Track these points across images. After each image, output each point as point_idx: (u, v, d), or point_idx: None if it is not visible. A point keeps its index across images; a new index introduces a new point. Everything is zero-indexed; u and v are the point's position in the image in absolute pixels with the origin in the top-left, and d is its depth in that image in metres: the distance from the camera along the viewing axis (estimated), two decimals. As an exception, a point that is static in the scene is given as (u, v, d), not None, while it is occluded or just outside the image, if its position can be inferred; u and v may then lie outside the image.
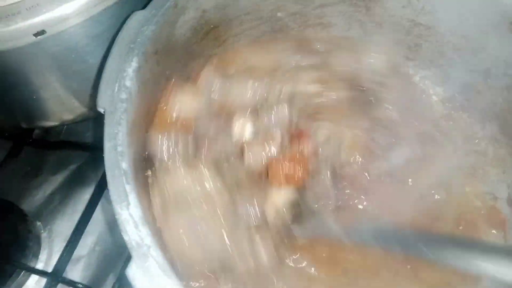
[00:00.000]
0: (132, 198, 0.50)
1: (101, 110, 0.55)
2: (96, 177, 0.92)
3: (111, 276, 0.84)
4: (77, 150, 0.96)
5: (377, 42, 0.88)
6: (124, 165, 0.52)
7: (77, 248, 0.85)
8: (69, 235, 0.85)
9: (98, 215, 0.90)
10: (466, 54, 0.81)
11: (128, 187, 0.51)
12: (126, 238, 0.48)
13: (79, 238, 0.85)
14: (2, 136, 0.97)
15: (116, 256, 0.87)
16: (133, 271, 0.46)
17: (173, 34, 0.68)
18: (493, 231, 0.78)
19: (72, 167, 0.97)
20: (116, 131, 0.54)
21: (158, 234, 0.50)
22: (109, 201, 0.89)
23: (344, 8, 0.83)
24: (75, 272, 0.85)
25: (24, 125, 0.92)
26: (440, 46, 0.83)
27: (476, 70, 0.81)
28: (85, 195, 0.92)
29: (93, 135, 0.98)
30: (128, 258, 0.77)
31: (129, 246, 0.48)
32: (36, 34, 0.69)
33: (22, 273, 0.83)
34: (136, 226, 0.49)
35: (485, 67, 0.79)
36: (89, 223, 0.88)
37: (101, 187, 0.90)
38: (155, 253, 0.47)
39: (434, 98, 0.90)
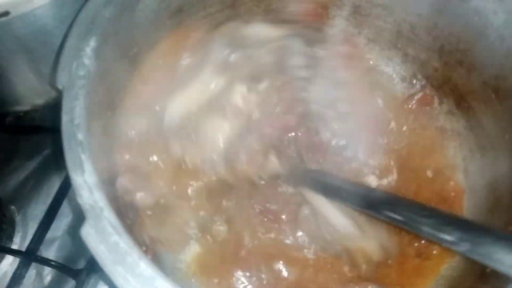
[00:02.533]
0: (87, 166, 0.53)
1: (60, 87, 0.58)
2: (69, 161, 0.94)
3: (85, 254, 0.86)
4: (51, 134, 0.97)
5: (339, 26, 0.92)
6: (80, 136, 0.55)
7: (52, 230, 0.87)
8: (42, 217, 0.87)
9: (72, 198, 0.91)
10: (422, 33, 0.84)
11: (83, 156, 0.54)
12: (80, 201, 0.51)
13: (52, 219, 0.87)
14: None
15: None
16: (86, 231, 0.49)
17: (134, 17, 0.71)
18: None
19: (46, 152, 0.99)
20: (73, 105, 0.57)
21: (112, 200, 0.53)
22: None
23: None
24: (50, 252, 0.87)
25: (-5, 111, 0.94)
26: (398, 25, 0.87)
27: (431, 48, 0.84)
28: (59, 179, 0.93)
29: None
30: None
31: (83, 208, 0.51)
32: (0, 15, 0.70)
33: (-4, 255, 0.86)
34: (91, 191, 0.51)
35: (439, 44, 0.83)
36: (63, 206, 0.90)
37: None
38: (108, 214, 0.50)
39: (395, 77, 0.93)
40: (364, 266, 0.72)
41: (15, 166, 0.97)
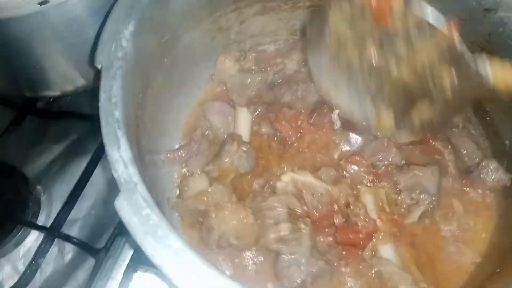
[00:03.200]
0: (123, 142, 0.56)
1: (98, 66, 0.61)
2: (94, 147, 0.97)
3: (104, 236, 0.89)
4: (78, 120, 1.01)
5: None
6: (117, 113, 0.58)
7: (74, 211, 0.91)
8: (66, 198, 0.91)
9: (94, 182, 0.95)
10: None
11: (119, 133, 0.56)
12: (115, 175, 0.53)
13: (76, 200, 0.90)
14: (6, 104, 1.03)
15: (110, 219, 0.91)
16: (120, 203, 0.51)
17: (169, 5, 0.73)
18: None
19: (73, 137, 1.02)
20: (111, 84, 0.60)
21: (143, 174, 0.55)
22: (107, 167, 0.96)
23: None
24: (72, 232, 0.90)
25: (27, 94, 0.98)
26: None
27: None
28: (83, 163, 0.96)
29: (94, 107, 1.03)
30: (120, 222, 0.84)
31: (118, 182, 0.53)
32: (40, 3, 0.74)
33: (21, 231, 0.89)
34: (126, 166, 0.54)
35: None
36: (86, 189, 0.93)
37: (98, 155, 0.95)
38: (141, 189, 0.53)
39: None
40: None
41: (43, 149, 1.01)
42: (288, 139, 0.85)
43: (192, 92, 0.91)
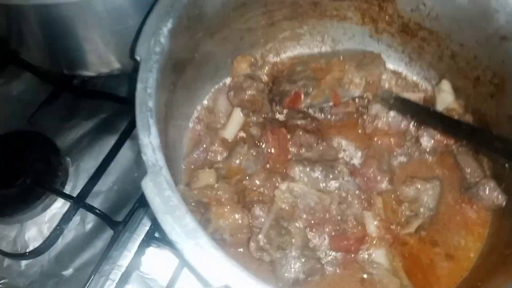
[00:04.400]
0: (153, 129, 0.62)
1: (138, 58, 0.68)
2: (121, 127, 1.04)
3: (123, 210, 0.96)
4: (109, 101, 1.08)
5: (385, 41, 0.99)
6: (151, 103, 0.64)
7: (99, 184, 0.98)
8: (92, 173, 0.98)
9: (119, 160, 1.02)
10: (461, 61, 0.90)
11: (151, 121, 0.63)
12: (144, 158, 0.60)
13: (101, 174, 0.98)
14: (45, 80, 1.11)
15: (130, 196, 0.99)
16: (146, 183, 0.58)
17: (205, 5, 0.80)
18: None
19: (103, 115, 1.09)
20: (147, 76, 0.66)
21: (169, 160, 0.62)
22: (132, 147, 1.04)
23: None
24: (94, 203, 0.97)
25: (66, 72, 1.06)
26: (441, 51, 0.93)
27: (468, 77, 0.90)
28: (111, 141, 1.03)
29: (126, 90, 1.10)
30: (139, 199, 0.91)
31: (146, 164, 0.60)
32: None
33: (49, 197, 0.97)
34: (154, 151, 0.61)
35: (475, 74, 0.89)
36: (111, 166, 1.00)
37: (126, 135, 1.02)
38: (165, 173, 0.59)
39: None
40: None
41: (75, 124, 1.08)
42: (266, 153, 0.88)
43: (214, 85, 0.98)
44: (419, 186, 0.84)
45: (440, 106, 0.91)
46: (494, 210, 0.84)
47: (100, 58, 1.00)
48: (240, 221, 0.78)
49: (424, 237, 0.83)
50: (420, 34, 0.93)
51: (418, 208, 0.83)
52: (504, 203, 0.81)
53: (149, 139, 0.61)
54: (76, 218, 0.96)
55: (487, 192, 0.82)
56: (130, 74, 1.05)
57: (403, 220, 0.83)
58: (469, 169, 0.87)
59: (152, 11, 0.72)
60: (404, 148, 0.90)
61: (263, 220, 0.78)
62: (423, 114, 0.87)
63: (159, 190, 0.58)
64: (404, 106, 0.88)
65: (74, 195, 0.96)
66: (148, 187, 0.58)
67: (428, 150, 0.88)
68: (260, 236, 0.76)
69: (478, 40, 0.85)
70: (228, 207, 0.79)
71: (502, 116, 0.84)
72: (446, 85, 0.92)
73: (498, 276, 0.69)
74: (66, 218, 0.93)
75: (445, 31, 0.89)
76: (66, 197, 0.96)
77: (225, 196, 0.79)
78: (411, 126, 0.91)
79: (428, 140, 0.88)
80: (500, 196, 0.81)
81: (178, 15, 0.73)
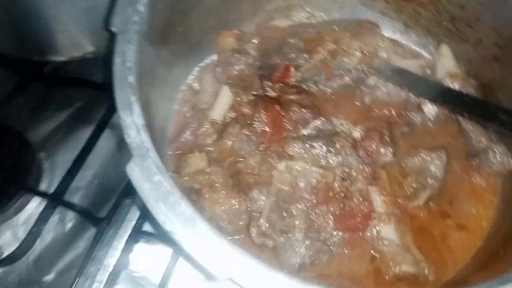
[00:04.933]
0: (136, 108, 0.55)
1: (114, 30, 0.60)
2: (98, 116, 0.96)
3: (107, 205, 0.88)
4: (84, 88, 1.00)
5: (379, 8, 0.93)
6: (131, 78, 0.57)
7: (77, 179, 0.90)
8: (69, 167, 0.90)
9: (98, 152, 0.94)
10: (461, 25, 0.85)
11: (133, 98, 0.55)
12: (128, 140, 0.53)
13: (79, 168, 0.90)
14: (12, 68, 1.01)
15: (113, 189, 0.91)
16: (132, 168, 0.51)
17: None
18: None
19: (77, 104, 1.01)
20: (126, 48, 0.58)
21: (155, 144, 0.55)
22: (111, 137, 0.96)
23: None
24: (73, 200, 0.89)
25: (34, 58, 0.97)
26: (438, 14, 0.87)
27: (469, 41, 0.85)
28: (87, 131, 0.95)
29: (102, 76, 1.01)
30: (123, 191, 0.84)
31: (130, 147, 0.52)
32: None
33: (23, 197, 0.88)
34: (138, 131, 0.53)
35: (477, 37, 0.83)
36: (89, 158, 0.92)
37: (103, 125, 0.94)
38: (153, 155, 0.52)
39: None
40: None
41: (47, 116, 1.00)
42: (260, 132, 0.80)
43: (199, 63, 0.90)
44: (424, 157, 0.79)
45: (441, 72, 0.85)
46: (503, 176, 0.80)
47: (71, 40, 0.93)
48: (237, 206, 0.72)
49: (434, 209, 0.78)
50: (416, -1, 0.87)
51: (425, 179, 0.78)
52: (516, 167, 0.77)
53: (131, 118, 0.54)
54: (54, 218, 0.88)
55: (497, 157, 0.77)
56: (106, 57, 0.98)
57: (410, 193, 0.78)
58: (474, 136, 0.82)
59: (127, -22, 0.64)
60: (405, 118, 0.84)
61: (262, 203, 0.71)
62: (423, 86, 0.82)
63: (147, 175, 0.51)
64: (403, 78, 0.83)
65: (51, 192, 0.88)
66: (135, 172, 0.51)
67: (431, 118, 0.83)
68: (261, 220, 0.69)
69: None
70: (223, 192, 0.72)
71: (507, 78, 0.80)
72: (446, 50, 0.87)
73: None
74: (43, 218, 0.85)
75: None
76: (42, 195, 0.88)
77: (219, 180, 0.73)
78: (411, 94, 0.85)
79: (431, 107, 0.82)
80: (510, 160, 0.76)
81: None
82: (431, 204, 0.77)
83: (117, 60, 0.57)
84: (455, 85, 0.81)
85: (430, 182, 0.77)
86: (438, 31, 0.89)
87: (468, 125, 0.82)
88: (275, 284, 0.46)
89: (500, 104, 0.79)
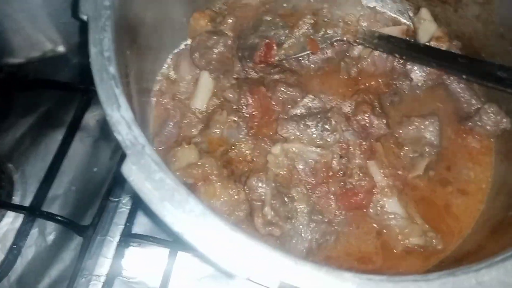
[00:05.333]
0: (122, 101, 0.49)
1: (84, 17, 0.54)
2: (67, 118, 0.89)
3: (89, 211, 0.82)
4: (48, 89, 0.92)
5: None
6: (112, 69, 0.51)
7: (53, 188, 0.83)
8: (43, 176, 0.83)
9: (71, 156, 0.87)
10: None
11: (117, 91, 0.50)
12: (119, 138, 0.47)
13: (55, 176, 0.83)
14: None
15: (93, 193, 0.85)
16: (128, 168, 0.46)
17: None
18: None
19: (43, 108, 0.93)
20: (101, 37, 0.53)
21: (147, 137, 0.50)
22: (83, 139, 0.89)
23: None
24: (53, 210, 0.82)
25: (-12, 62, 0.88)
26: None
27: (447, 1, 0.83)
28: (57, 136, 0.89)
29: (66, 75, 0.93)
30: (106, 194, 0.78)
31: (123, 145, 0.47)
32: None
33: (-5, 214, 0.81)
34: (129, 127, 0.48)
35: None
36: (64, 164, 0.85)
37: (74, 127, 0.87)
38: (150, 151, 0.47)
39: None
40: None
41: (10, 124, 0.91)
42: (249, 117, 0.77)
43: (173, 49, 0.85)
44: (418, 125, 0.77)
45: (423, 37, 0.83)
46: (496, 136, 0.79)
47: (28, 39, 0.85)
48: (236, 197, 0.68)
49: (433, 177, 0.76)
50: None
51: (422, 147, 0.76)
52: (509, 126, 0.76)
53: (119, 113, 0.49)
54: (33, 232, 0.81)
55: (491, 117, 0.76)
56: (68, 54, 0.90)
57: (408, 163, 0.76)
58: (464, 98, 0.81)
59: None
60: (393, 87, 0.82)
61: (263, 191, 0.67)
62: (413, 50, 0.79)
63: (147, 174, 0.46)
64: (391, 45, 0.80)
65: (26, 205, 0.81)
66: (133, 172, 0.45)
67: (419, 84, 0.81)
68: (266, 209, 0.66)
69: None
70: (219, 183, 0.68)
71: (492, 36, 0.78)
72: (425, 14, 0.85)
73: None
74: (22, 234, 0.78)
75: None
76: (17, 208, 0.80)
77: (213, 172, 0.68)
78: (396, 62, 0.82)
79: (419, 73, 0.80)
80: (505, 119, 0.76)
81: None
82: (431, 172, 0.76)
83: (92, 51, 0.51)
84: (442, 48, 0.79)
85: (427, 150, 0.75)
86: (415, -5, 0.87)
87: (456, 88, 0.81)
88: (304, 277, 0.43)
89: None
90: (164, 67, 0.83)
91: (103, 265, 0.79)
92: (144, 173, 0.46)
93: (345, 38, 0.82)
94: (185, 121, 0.77)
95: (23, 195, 0.85)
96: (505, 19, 0.75)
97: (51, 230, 0.82)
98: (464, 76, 0.76)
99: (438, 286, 0.42)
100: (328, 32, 0.82)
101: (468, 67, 0.72)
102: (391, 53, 0.80)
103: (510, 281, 0.43)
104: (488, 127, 0.77)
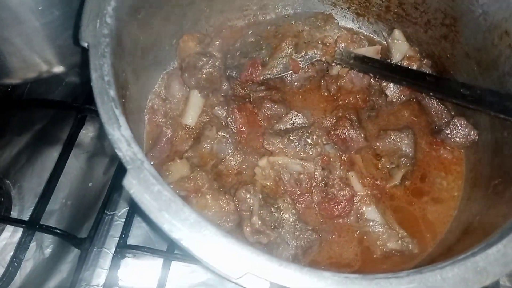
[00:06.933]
0: (122, 121, 0.54)
1: (85, 44, 0.58)
2: (62, 135, 0.93)
3: (86, 224, 0.86)
4: (42, 108, 0.96)
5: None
6: (112, 92, 0.56)
7: (50, 203, 0.87)
8: (40, 192, 0.87)
9: (68, 172, 0.91)
10: (409, 8, 0.90)
11: (117, 112, 0.55)
12: (120, 154, 0.52)
13: (51, 192, 0.86)
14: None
15: (89, 207, 0.89)
16: (129, 181, 0.50)
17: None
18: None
19: (37, 127, 0.97)
20: (101, 62, 0.57)
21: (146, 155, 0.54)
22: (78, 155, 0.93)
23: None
24: (50, 224, 0.85)
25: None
26: (386, 0, 0.92)
27: (418, 23, 0.90)
28: (53, 153, 0.93)
29: (59, 94, 0.97)
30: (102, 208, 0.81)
31: (123, 161, 0.52)
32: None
33: (-6, 229, 0.84)
34: (129, 144, 0.53)
35: (426, 19, 0.88)
36: (60, 180, 0.89)
37: (69, 144, 0.91)
38: (148, 166, 0.52)
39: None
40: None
41: (6, 142, 0.95)
42: (237, 132, 0.82)
43: (164, 69, 0.89)
44: (394, 137, 0.83)
45: (396, 56, 0.90)
46: (466, 147, 0.85)
47: (24, 61, 0.88)
48: (226, 208, 0.72)
49: (409, 186, 0.82)
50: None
51: (398, 159, 0.82)
52: (477, 138, 0.82)
53: (120, 132, 0.53)
54: (32, 245, 0.85)
55: (460, 129, 0.82)
56: (62, 75, 0.94)
57: (386, 174, 0.82)
58: (435, 112, 0.87)
59: (89, -9, 0.62)
60: (371, 102, 0.88)
61: (251, 201, 0.72)
62: (385, 70, 0.86)
63: (146, 187, 0.50)
64: (365, 65, 0.86)
65: (25, 219, 0.84)
66: (133, 185, 0.50)
67: (394, 100, 0.87)
68: (254, 218, 0.70)
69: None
70: (210, 195, 0.72)
71: (458, 55, 0.85)
72: (398, 34, 0.91)
73: (498, 206, 0.69)
74: (22, 247, 0.82)
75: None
76: (17, 222, 0.84)
77: (204, 184, 0.73)
78: (372, 80, 0.89)
79: (394, 90, 0.86)
80: (472, 132, 0.82)
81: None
82: (407, 182, 0.82)
83: (94, 75, 0.56)
84: (413, 67, 0.86)
85: (403, 161, 0.81)
86: (389, 17, 0.94)
87: (428, 103, 0.87)
88: (288, 277, 0.47)
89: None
90: (156, 86, 0.87)
91: (100, 276, 0.82)
92: (143, 186, 0.50)
93: (323, 59, 0.89)
94: (176, 137, 0.82)
95: (20, 210, 0.89)
96: (469, 40, 0.81)
97: (48, 243, 0.86)
98: (431, 93, 0.83)
99: (407, 282, 0.48)
100: (308, 53, 0.88)
101: (435, 85, 0.78)
102: (366, 73, 0.86)
103: (469, 277, 0.49)
104: (458, 139, 0.83)
